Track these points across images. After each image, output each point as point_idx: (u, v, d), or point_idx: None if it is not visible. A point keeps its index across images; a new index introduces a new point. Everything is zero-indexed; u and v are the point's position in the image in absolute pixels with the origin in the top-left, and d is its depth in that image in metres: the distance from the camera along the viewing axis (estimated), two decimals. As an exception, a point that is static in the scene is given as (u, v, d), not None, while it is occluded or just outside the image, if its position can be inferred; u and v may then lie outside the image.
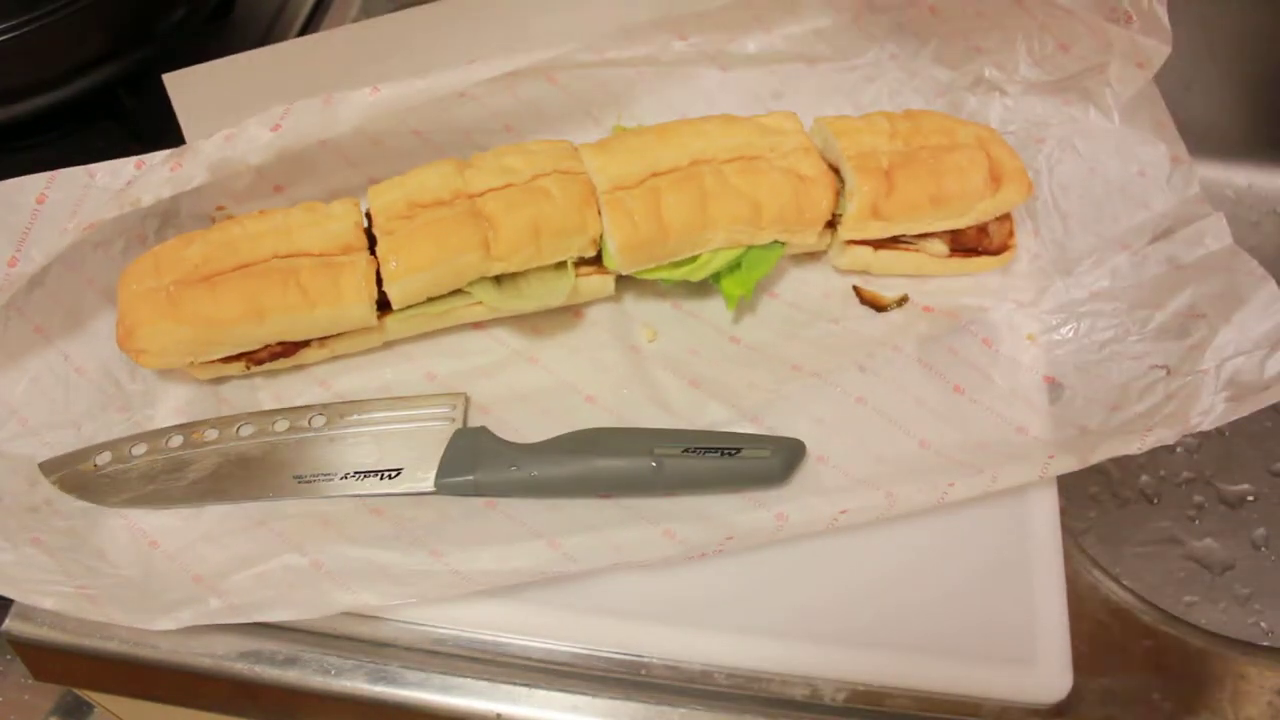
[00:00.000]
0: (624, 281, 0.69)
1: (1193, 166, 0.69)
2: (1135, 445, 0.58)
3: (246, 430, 0.63)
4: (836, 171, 0.67)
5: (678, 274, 0.66)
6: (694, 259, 0.67)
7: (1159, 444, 0.58)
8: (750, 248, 0.67)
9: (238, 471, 0.62)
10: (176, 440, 0.63)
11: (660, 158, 0.65)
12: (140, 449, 0.62)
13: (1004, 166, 0.67)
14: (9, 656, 0.72)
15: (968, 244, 0.69)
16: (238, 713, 0.62)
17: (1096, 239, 0.70)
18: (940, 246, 0.69)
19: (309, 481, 0.61)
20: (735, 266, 0.67)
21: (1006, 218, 0.70)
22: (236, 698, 0.59)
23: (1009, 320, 0.68)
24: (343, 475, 0.61)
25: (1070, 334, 0.67)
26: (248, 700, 0.59)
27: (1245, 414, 0.60)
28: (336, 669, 0.56)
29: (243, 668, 0.57)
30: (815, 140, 0.68)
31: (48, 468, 0.62)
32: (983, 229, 0.69)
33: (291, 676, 0.56)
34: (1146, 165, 0.70)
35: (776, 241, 0.67)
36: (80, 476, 0.61)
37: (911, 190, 0.65)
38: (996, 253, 0.70)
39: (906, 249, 0.69)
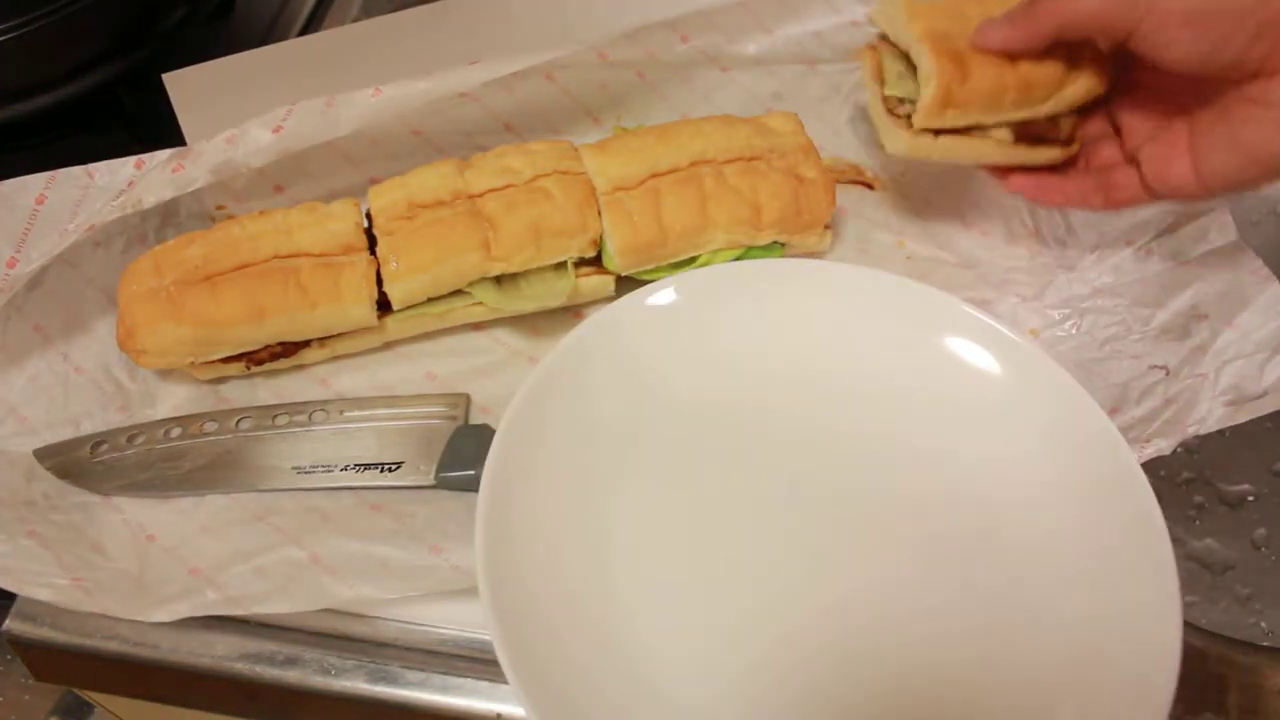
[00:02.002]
0: (624, 282, 0.69)
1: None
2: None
3: (246, 423, 0.63)
4: (907, 58, 0.62)
5: (680, 271, 0.66)
6: (693, 260, 0.67)
7: (1156, 454, 0.59)
8: (749, 249, 0.67)
9: (236, 461, 0.62)
10: (175, 431, 0.63)
11: (660, 158, 0.65)
12: (138, 439, 0.62)
13: (1084, 51, 0.60)
14: (9, 656, 0.72)
15: (1035, 131, 0.63)
16: (238, 713, 0.62)
17: (1099, 235, 0.70)
18: (1004, 133, 0.63)
19: (308, 472, 0.61)
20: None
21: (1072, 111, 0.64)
22: (236, 698, 0.59)
23: (1012, 314, 0.68)
24: (342, 467, 0.61)
25: (1073, 330, 0.67)
26: (248, 700, 0.59)
27: (1243, 420, 0.61)
28: (336, 669, 0.56)
29: (243, 668, 0.57)
30: (880, 23, 0.64)
31: (43, 454, 0.62)
32: (1053, 118, 0.63)
33: (291, 676, 0.56)
34: (1148, 163, 0.70)
35: (776, 243, 0.67)
36: (75, 463, 0.61)
37: (988, 76, 0.59)
38: (1066, 143, 0.64)
39: (970, 135, 0.63)
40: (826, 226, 0.67)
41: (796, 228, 0.66)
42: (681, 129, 0.67)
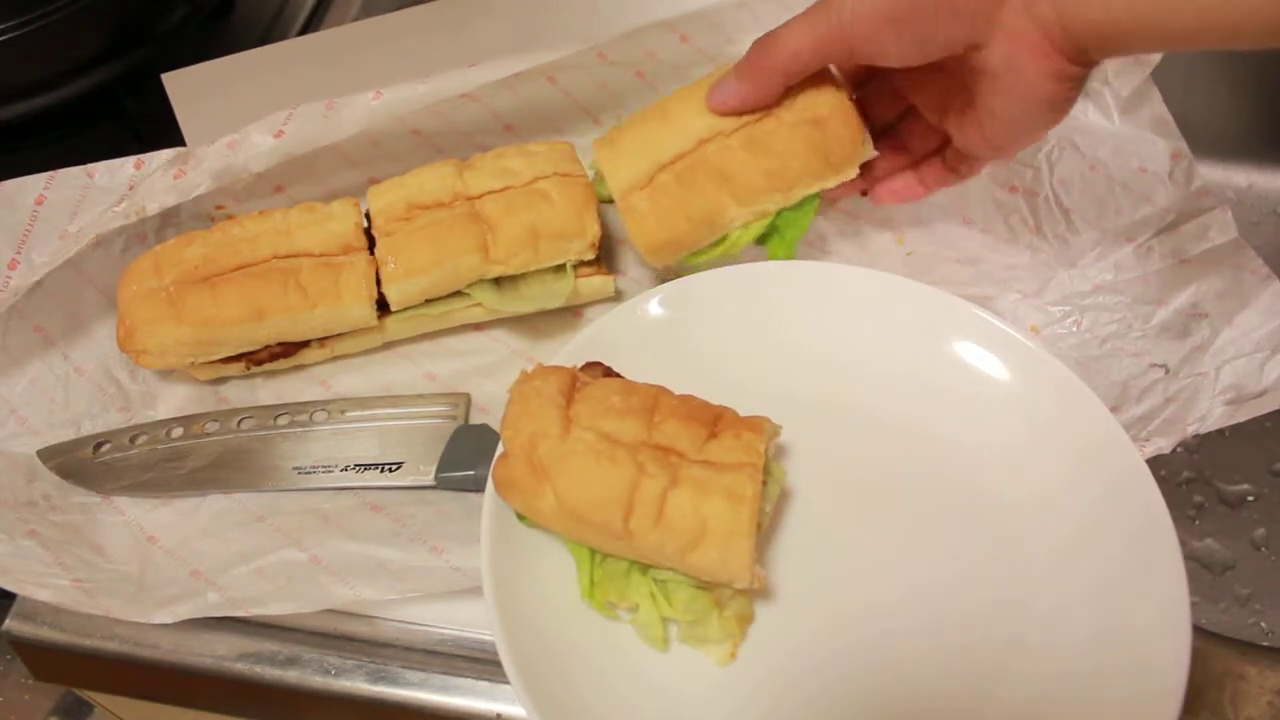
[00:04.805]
0: (623, 282, 0.69)
1: (1193, 162, 0.69)
2: None
3: (248, 423, 0.63)
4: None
5: (715, 253, 0.64)
6: (724, 239, 0.64)
7: (1156, 453, 0.59)
8: (781, 212, 0.64)
9: (237, 461, 0.62)
10: (177, 431, 0.63)
11: (664, 146, 0.62)
12: (141, 439, 0.63)
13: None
14: (9, 656, 0.72)
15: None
16: (238, 713, 0.62)
17: (1099, 232, 0.70)
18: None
19: (309, 473, 0.61)
20: (773, 231, 0.65)
21: None
22: (236, 698, 0.59)
23: (1013, 311, 0.68)
24: (343, 468, 0.61)
25: (1073, 327, 0.67)
26: (248, 700, 0.59)
27: (1242, 419, 0.61)
28: (336, 669, 0.56)
29: (243, 668, 0.57)
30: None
31: (45, 454, 0.62)
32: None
33: (291, 676, 0.56)
34: (1147, 161, 0.70)
35: (810, 196, 0.64)
36: (78, 463, 0.62)
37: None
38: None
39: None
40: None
41: (829, 171, 0.62)
42: (683, 108, 0.63)
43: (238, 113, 0.63)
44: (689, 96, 0.63)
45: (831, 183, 0.63)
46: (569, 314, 0.69)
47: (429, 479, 0.60)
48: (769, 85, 0.59)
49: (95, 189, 0.64)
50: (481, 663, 0.56)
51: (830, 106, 0.61)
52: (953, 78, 0.56)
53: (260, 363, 0.66)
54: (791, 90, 0.61)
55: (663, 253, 0.64)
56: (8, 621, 0.58)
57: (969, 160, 0.62)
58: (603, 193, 0.71)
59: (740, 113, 0.61)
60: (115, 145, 0.68)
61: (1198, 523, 0.77)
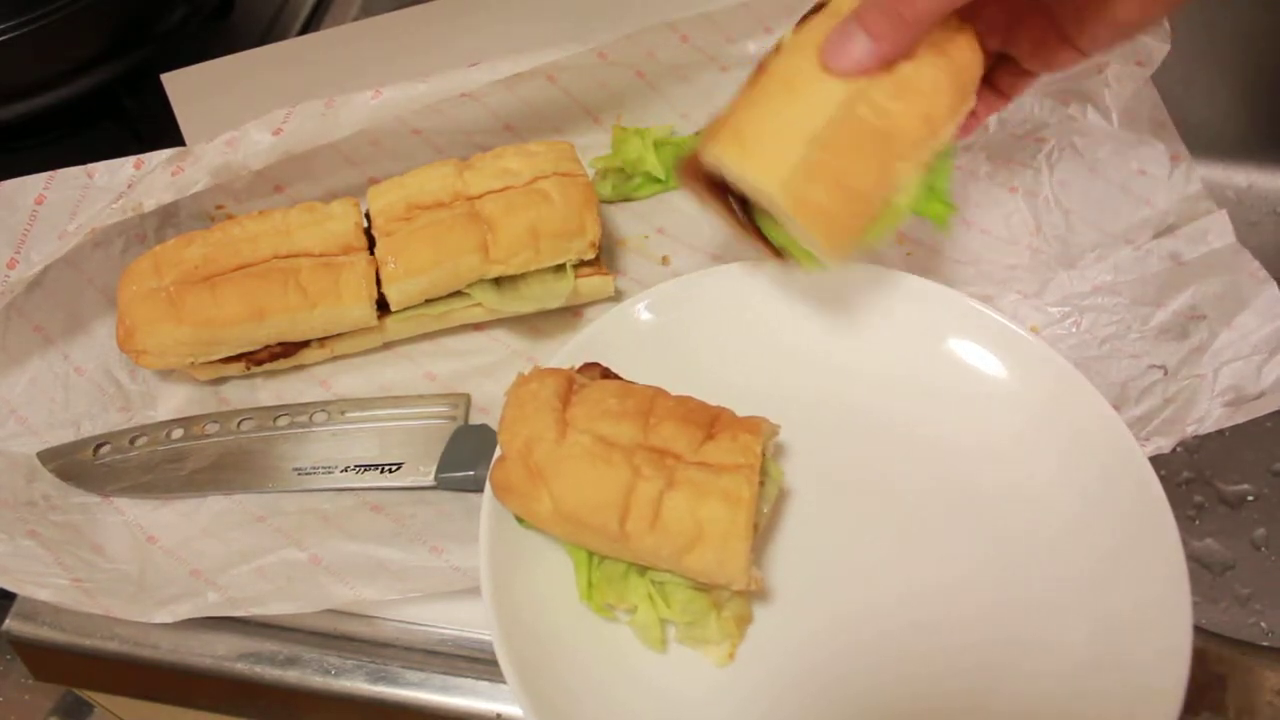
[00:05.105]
0: (623, 282, 0.69)
1: (1192, 164, 0.69)
2: None
3: (248, 425, 0.63)
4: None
5: (881, 228, 0.56)
6: (888, 209, 0.56)
7: (1155, 453, 0.59)
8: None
9: (237, 463, 0.62)
10: (177, 433, 0.63)
11: (809, 121, 0.52)
12: (141, 440, 0.63)
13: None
14: (9, 656, 0.72)
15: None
16: (238, 713, 0.62)
17: (1099, 233, 0.70)
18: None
19: (309, 474, 0.61)
20: (925, 188, 0.57)
21: None
22: (236, 698, 0.59)
23: (1013, 312, 0.68)
24: (343, 469, 0.61)
25: (1073, 328, 0.67)
26: (248, 700, 0.59)
27: (1241, 421, 0.61)
28: (336, 669, 0.56)
29: (243, 668, 0.57)
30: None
31: (45, 456, 0.62)
32: None
33: (291, 676, 0.56)
34: (1146, 163, 0.70)
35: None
36: (78, 465, 0.62)
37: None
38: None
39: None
40: None
41: (962, 102, 0.56)
42: (800, 70, 0.53)
43: (237, 112, 0.64)
44: (801, 58, 0.54)
45: (964, 113, 0.57)
46: (569, 314, 0.69)
47: (429, 479, 0.60)
48: (909, 39, 0.51)
49: (95, 189, 0.65)
50: (481, 663, 0.56)
51: (953, 32, 0.54)
52: (1027, 5, 0.54)
53: (260, 363, 0.66)
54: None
55: (844, 240, 0.54)
56: (8, 621, 0.58)
57: (1025, 78, 0.59)
58: (603, 192, 0.71)
59: (875, 72, 0.52)
60: (115, 145, 0.68)
61: (1198, 523, 0.77)
